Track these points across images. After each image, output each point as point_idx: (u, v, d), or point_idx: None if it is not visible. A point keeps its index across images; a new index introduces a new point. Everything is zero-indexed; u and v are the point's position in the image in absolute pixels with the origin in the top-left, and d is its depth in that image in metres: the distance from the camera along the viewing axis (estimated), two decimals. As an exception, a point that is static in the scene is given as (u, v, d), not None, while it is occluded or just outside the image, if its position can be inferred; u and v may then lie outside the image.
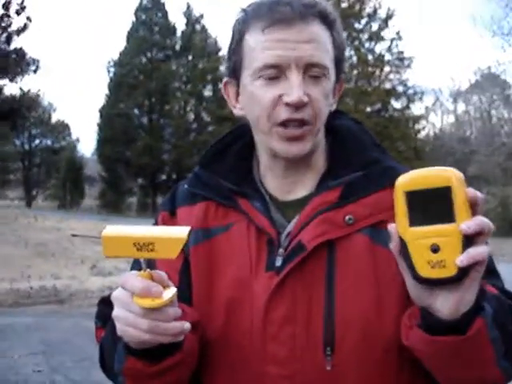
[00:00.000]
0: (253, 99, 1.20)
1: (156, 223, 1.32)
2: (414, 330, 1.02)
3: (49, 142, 56.20)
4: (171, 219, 1.30)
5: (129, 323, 0.99)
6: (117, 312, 1.01)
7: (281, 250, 1.17)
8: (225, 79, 1.29)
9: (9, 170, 56.14)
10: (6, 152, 53.06)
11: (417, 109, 43.15)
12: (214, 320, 1.19)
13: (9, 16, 17.86)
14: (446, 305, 0.95)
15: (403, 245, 0.96)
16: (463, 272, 0.91)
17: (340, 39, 1.22)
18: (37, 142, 55.66)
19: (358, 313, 1.12)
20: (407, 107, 35.09)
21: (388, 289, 1.12)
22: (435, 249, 0.92)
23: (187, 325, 1.00)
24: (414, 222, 0.94)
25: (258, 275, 1.17)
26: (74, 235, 17.12)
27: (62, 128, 57.23)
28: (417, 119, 35.15)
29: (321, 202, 1.18)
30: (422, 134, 37.17)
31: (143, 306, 0.96)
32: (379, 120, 32.81)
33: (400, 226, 0.96)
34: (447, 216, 0.91)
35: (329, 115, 1.25)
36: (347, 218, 1.16)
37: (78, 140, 61.24)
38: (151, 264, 1.08)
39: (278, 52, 1.14)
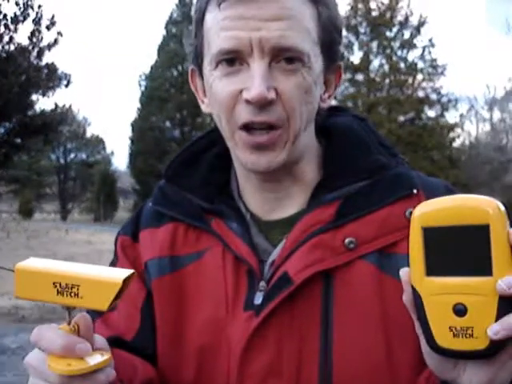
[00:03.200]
0: (212, 94, 0.98)
1: (115, 251, 1.12)
2: None
3: (84, 156, 57.13)
4: (132, 245, 1.09)
5: None
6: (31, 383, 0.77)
7: (262, 284, 0.96)
8: (190, 67, 1.07)
9: (44, 184, 57.33)
10: (42, 166, 54.20)
11: (451, 117, 42.40)
12: (183, 372, 0.99)
13: (40, 31, 18.10)
14: (474, 382, 0.71)
15: (417, 299, 0.72)
16: (498, 345, 0.68)
17: (330, 16, 0.97)
18: (72, 156, 56.62)
19: (363, 364, 0.90)
20: (441, 115, 34.45)
21: (401, 332, 0.90)
22: (460, 310, 0.69)
23: None
24: (433, 269, 0.71)
25: (235, 316, 0.96)
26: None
27: (97, 142, 58.22)
28: (451, 128, 34.45)
29: (312, 222, 0.96)
30: (457, 143, 36.46)
31: (57, 371, 0.72)
32: (413, 129, 32.28)
33: (414, 273, 0.72)
34: (480, 266, 0.68)
35: (324, 113, 1.01)
36: (347, 240, 0.94)
37: (112, 153, 61.93)
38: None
39: (235, 33, 0.90)
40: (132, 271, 0.77)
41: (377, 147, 1.02)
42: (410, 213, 0.84)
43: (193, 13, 1.02)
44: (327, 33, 0.97)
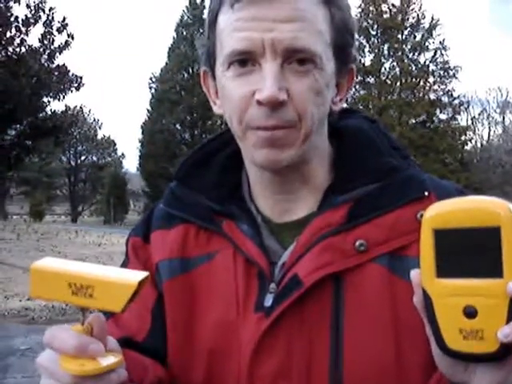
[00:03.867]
0: (224, 96, 0.98)
1: (126, 252, 1.12)
2: None
3: (94, 158, 57.50)
4: (143, 246, 1.09)
5: None
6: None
7: (272, 286, 0.95)
8: (202, 68, 1.06)
9: (55, 186, 57.82)
10: (53, 168, 54.66)
11: (463, 120, 42.36)
12: (193, 374, 0.99)
13: (51, 34, 18.18)
14: None
15: (427, 301, 0.72)
16: (508, 348, 0.68)
17: (343, 18, 0.97)
18: (82, 158, 57.01)
19: (373, 367, 0.90)
20: (453, 118, 34.41)
21: (411, 334, 0.89)
22: (471, 312, 0.69)
23: None
24: (443, 271, 0.71)
25: (245, 317, 0.95)
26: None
27: (108, 144, 58.68)
28: (463, 130, 34.41)
29: (323, 224, 0.96)
30: (469, 146, 36.41)
31: (70, 372, 0.73)
32: (424, 132, 32.32)
33: (425, 275, 0.72)
34: (491, 268, 0.68)
35: (336, 115, 1.03)
36: (358, 243, 0.93)
37: (123, 155, 62.09)
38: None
39: (248, 34, 0.90)
40: (147, 274, 0.77)
41: (388, 149, 1.02)
42: (421, 215, 0.87)
43: (205, 15, 1.02)
44: (340, 35, 0.97)
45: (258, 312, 0.94)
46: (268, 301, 0.94)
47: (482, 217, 0.67)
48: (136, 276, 0.75)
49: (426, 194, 0.96)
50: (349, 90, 1.05)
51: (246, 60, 0.92)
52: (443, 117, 34.62)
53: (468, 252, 0.68)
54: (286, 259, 0.97)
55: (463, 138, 34.41)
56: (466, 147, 35.47)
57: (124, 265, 1.11)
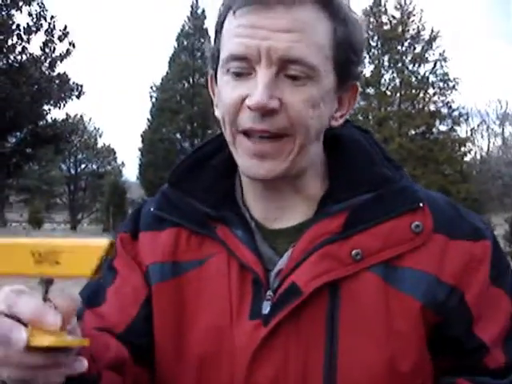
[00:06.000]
0: (220, 99, 1.00)
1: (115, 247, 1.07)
2: None
3: (94, 167, 57.43)
4: (132, 243, 1.09)
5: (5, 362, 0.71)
6: None
7: (269, 294, 0.96)
8: (210, 72, 1.08)
9: (55, 194, 57.69)
10: (52, 176, 54.60)
11: (463, 131, 42.38)
12: (184, 380, 0.99)
13: (52, 42, 18.22)
14: None
15: None
16: None
17: (348, 34, 0.97)
18: (82, 166, 56.94)
19: (366, 373, 0.91)
20: (452, 129, 34.38)
21: (405, 343, 0.92)
22: None
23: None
24: None
25: (239, 324, 0.96)
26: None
27: (108, 153, 58.55)
28: (462, 142, 34.35)
29: (320, 232, 0.97)
30: (469, 157, 36.37)
31: (36, 343, 0.68)
32: (424, 143, 32.23)
33: None
34: None
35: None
36: (354, 252, 0.95)
37: (123, 164, 61.97)
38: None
39: (246, 40, 0.92)
40: (113, 240, 0.72)
41: (381, 160, 1.03)
42: (417, 226, 0.94)
43: (209, 23, 1.08)
44: (341, 51, 0.97)
45: (253, 319, 0.95)
46: (265, 308, 0.95)
47: None
48: (104, 240, 0.70)
49: (421, 204, 0.98)
50: (351, 106, 1.04)
51: (242, 66, 0.94)
52: (443, 128, 34.53)
53: None
54: (282, 266, 0.97)
55: (463, 149, 34.32)
56: (465, 158, 35.45)
57: (112, 259, 1.08)
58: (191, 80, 39.66)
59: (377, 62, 34.08)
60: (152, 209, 1.10)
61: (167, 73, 40.39)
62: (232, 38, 0.94)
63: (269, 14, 0.91)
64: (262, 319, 0.94)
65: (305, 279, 0.93)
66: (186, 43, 39.50)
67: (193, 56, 40.62)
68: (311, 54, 0.92)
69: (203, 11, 38.73)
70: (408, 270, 0.94)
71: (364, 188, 0.99)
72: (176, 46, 40.33)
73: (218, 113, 1.04)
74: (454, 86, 34.12)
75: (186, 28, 40.06)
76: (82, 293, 1.06)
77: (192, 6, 39.98)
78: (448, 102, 34.12)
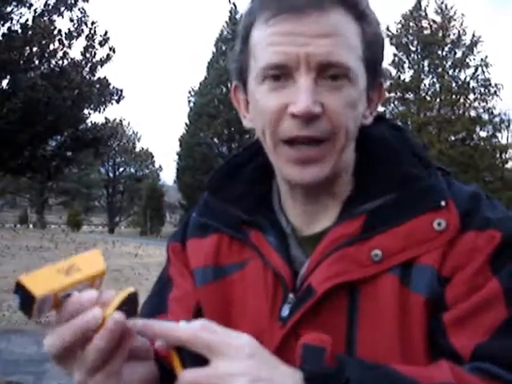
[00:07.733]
0: (257, 109, 1.00)
1: (168, 256, 1.18)
2: None
3: (132, 170, 58.23)
4: (182, 251, 1.14)
5: None
6: None
7: (291, 296, 0.98)
8: (234, 83, 1.09)
9: (93, 197, 58.65)
10: (91, 179, 55.55)
11: (503, 138, 41.60)
12: None
13: (93, 47, 18.48)
14: None
15: None
16: None
17: (374, 34, 0.99)
18: (121, 169, 57.79)
19: None
20: (493, 136, 33.82)
21: (415, 346, 0.92)
22: None
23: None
24: None
25: (271, 328, 0.99)
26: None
27: (146, 156, 59.39)
28: (504, 148, 33.76)
29: (339, 235, 0.98)
30: (510, 164, 35.64)
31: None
32: (464, 149, 31.83)
33: None
34: None
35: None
36: (373, 253, 0.95)
37: (160, 168, 62.76)
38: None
39: (283, 48, 0.93)
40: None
41: (409, 158, 1.02)
42: (439, 224, 0.93)
43: (239, 29, 1.04)
44: (371, 50, 0.99)
45: (279, 321, 0.97)
46: (285, 311, 0.97)
47: None
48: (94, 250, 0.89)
49: (443, 203, 0.96)
50: (378, 103, 1.06)
51: (280, 74, 0.94)
52: (483, 134, 34.10)
53: None
54: (304, 269, 0.99)
55: (504, 156, 33.75)
56: (506, 165, 34.80)
57: (166, 268, 1.18)
58: (229, 85, 39.83)
59: (416, 66, 33.79)
60: (194, 214, 1.15)
61: (205, 77, 40.81)
62: (268, 47, 0.94)
63: (303, 20, 0.92)
64: (282, 321, 0.97)
65: (318, 280, 0.95)
66: (224, 48, 39.77)
67: (231, 61, 41.01)
68: (348, 56, 0.93)
69: (241, 16, 38.91)
70: (422, 267, 0.93)
71: (387, 188, 0.99)
72: (214, 50, 40.75)
73: (247, 123, 1.06)
74: (495, 92, 33.62)
75: (225, 33, 40.44)
76: (143, 307, 1.12)
77: (230, 12, 40.42)
78: (489, 108, 33.64)
